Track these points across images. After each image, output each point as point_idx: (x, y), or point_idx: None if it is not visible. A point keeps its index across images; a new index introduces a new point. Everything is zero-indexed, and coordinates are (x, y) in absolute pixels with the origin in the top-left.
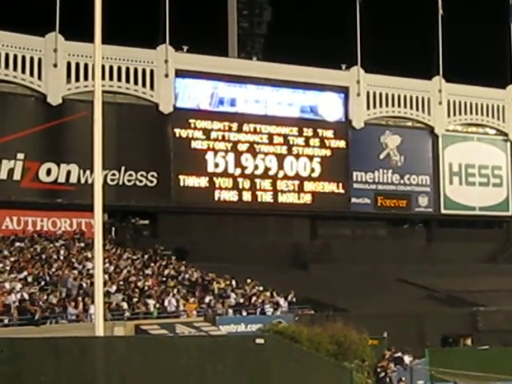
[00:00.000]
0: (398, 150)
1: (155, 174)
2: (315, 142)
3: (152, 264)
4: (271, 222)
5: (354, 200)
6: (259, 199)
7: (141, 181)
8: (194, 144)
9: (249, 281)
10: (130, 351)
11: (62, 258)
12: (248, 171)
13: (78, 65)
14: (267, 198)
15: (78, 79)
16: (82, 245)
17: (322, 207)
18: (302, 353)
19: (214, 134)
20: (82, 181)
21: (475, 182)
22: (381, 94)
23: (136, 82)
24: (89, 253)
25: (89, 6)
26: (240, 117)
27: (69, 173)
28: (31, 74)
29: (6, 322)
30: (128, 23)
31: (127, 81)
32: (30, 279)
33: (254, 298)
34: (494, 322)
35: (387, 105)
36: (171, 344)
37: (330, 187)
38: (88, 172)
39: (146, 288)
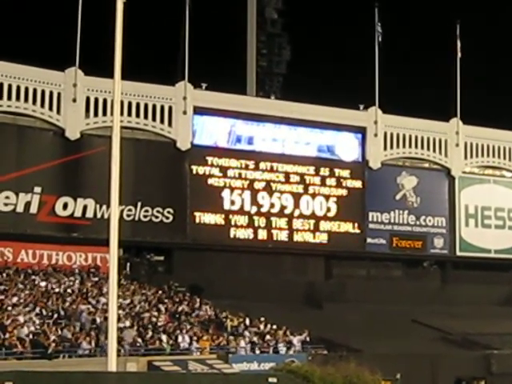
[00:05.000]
0: (414, 191)
1: (171, 211)
2: (331, 181)
3: (166, 300)
4: (286, 261)
5: (369, 240)
6: (274, 238)
7: (157, 217)
8: (210, 181)
9: (262, 319)
10: None
11: (76, 292)
12: (264, 209)
13: (96, 100)
14: (282, 236)
15: (96, 114)
16: (97, 279)
17: (337, 247)
18: None
19: (230, 172)
20: (99, 215)
21: (491, 225)
22: (398, 135)
23: (154, 119)
24: (103, 287)
25: (109, 42)
26: (257, 155)
27: (85, 207)
28: (50, 108)
29: (18, 354)
30: (147, 60)
31: (145, 117)
32: (43, 312)
33: (267, 337)
34: (508, 365)
35: (404, 146)
36: (183, 381)
37: (345, 227)
38: (104, 207)
39: (159, 324)
